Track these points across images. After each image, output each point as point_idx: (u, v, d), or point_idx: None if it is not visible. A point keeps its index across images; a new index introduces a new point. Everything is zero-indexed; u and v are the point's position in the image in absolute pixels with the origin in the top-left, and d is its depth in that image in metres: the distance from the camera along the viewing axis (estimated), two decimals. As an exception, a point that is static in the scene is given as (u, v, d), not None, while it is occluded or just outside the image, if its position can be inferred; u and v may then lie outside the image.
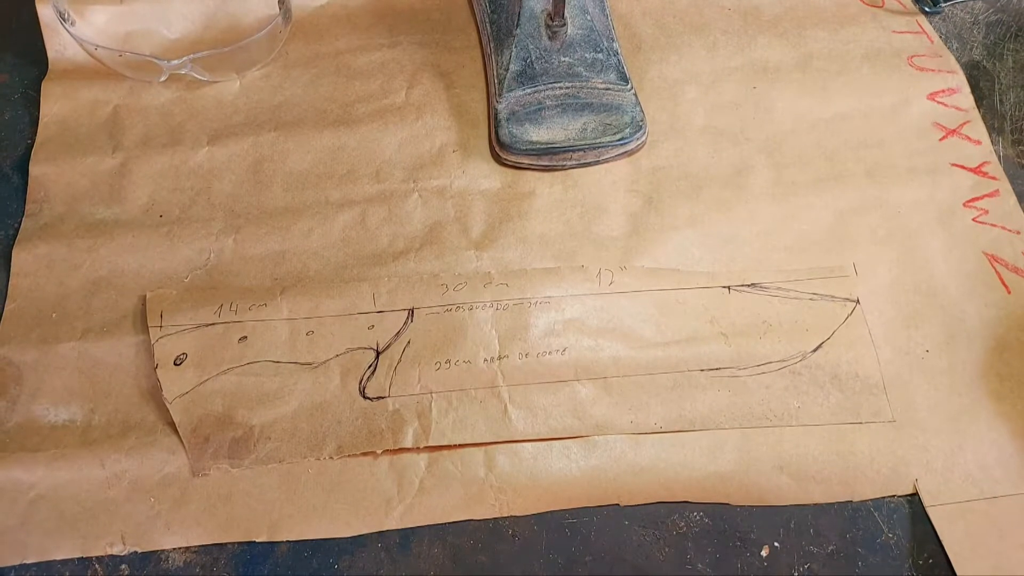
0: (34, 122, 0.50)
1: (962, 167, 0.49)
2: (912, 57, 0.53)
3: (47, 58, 0.51)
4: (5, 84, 0.52)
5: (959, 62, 0.53)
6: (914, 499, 0.39)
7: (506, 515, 0.39)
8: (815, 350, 0.42)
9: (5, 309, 0.43)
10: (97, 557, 0.37)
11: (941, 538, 0.38)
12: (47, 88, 0.51)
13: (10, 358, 0.42)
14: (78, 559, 0.37)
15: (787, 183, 0.48)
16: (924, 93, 0.52)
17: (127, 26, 0.52)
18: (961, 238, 0.46)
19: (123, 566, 0.37)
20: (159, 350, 0.41)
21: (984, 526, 0.38)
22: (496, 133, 0.48)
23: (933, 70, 0.53)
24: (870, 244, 0.46)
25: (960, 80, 0.52)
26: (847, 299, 0.44)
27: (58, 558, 0.37)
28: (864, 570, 0.38)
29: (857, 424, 0.40)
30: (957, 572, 0.37)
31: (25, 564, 0.37)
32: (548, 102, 0.48)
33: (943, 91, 0.52)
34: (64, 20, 0.49)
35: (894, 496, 0.39)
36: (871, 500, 0.39)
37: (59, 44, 0.51)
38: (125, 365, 0.42)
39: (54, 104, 0.50)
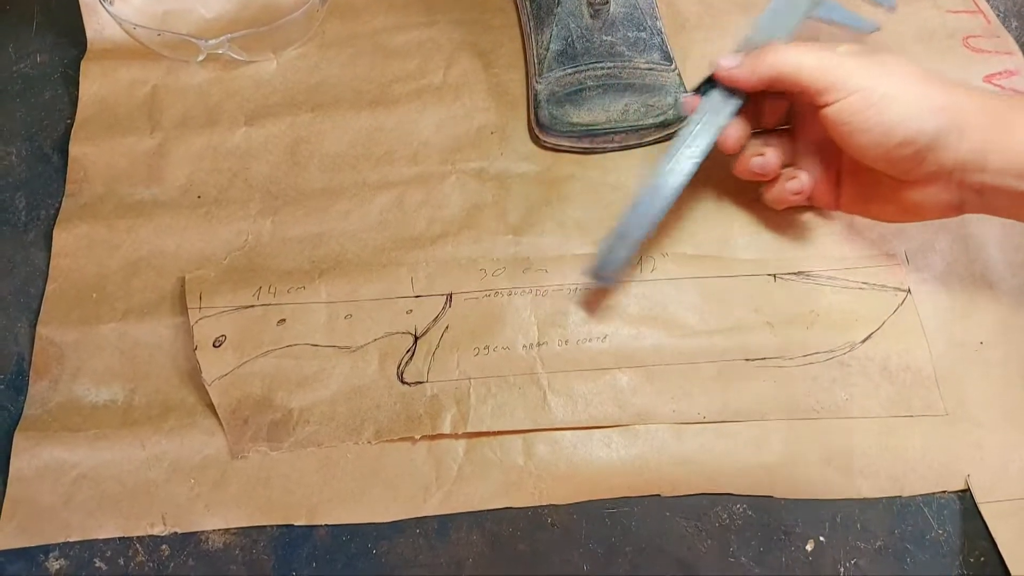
0: (73, 102, 0.50)
1: (1020, 152, 0.47)
2: (967, 38, 0.51)
3: (86, 38, 0.51)
4: (45, 64, 0.52)
5: (1018, 42, 0.51)
6: (965, 495, 0.38)
7: (545, 503, 0.38)
8: (864, 341, 0.41)
9: (47, 290, 0.44)
10: (138, 537, 0.38)
11: (994, 536, 0.37)
12: (86, 68, 0.50)
13: (52, 338, 0.42)
14: (119, 539, 0.38)
15: (836, 168, 0.46)
16: (980, 75, 0.50)
17: (164, 5, 0.51)
18: (1016, 225, 0.44)
19: (163, 546, 0.38)
20: (198, 332, 0.41)
21: (1039, 525, 0.37)
22: (535, 114, 0.47)
23: (990, 51, 0.51)
24: (922, 232, 0.44)
25: (1019, 62, 0.50)
26: (898, 288, 0.42)
27: (100, 537, 0.38)
28: (913, 567, 0.37)
29: (908, 417, 0.39)
30: (1011, 571, 0.36)
31: (68, 542, 0.37)
32: (589, 82, 0.47)
33: (1000, 73, 0.50)
34: (103, -1, 0.49)
35: (945, 492, 0.38)
36: (921, 495, 0.38)
37: (98, 24, 0.51)
38: (165, 346, 0.42)
39: (93, 84, 0.50)
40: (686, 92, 0.47)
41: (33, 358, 0.42)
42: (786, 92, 0.39)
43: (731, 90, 0.40)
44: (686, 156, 0.40)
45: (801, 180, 0.41)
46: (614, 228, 0.39)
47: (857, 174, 0.40)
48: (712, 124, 0.40)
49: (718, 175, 0.46)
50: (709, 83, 0.41)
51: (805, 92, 0.37)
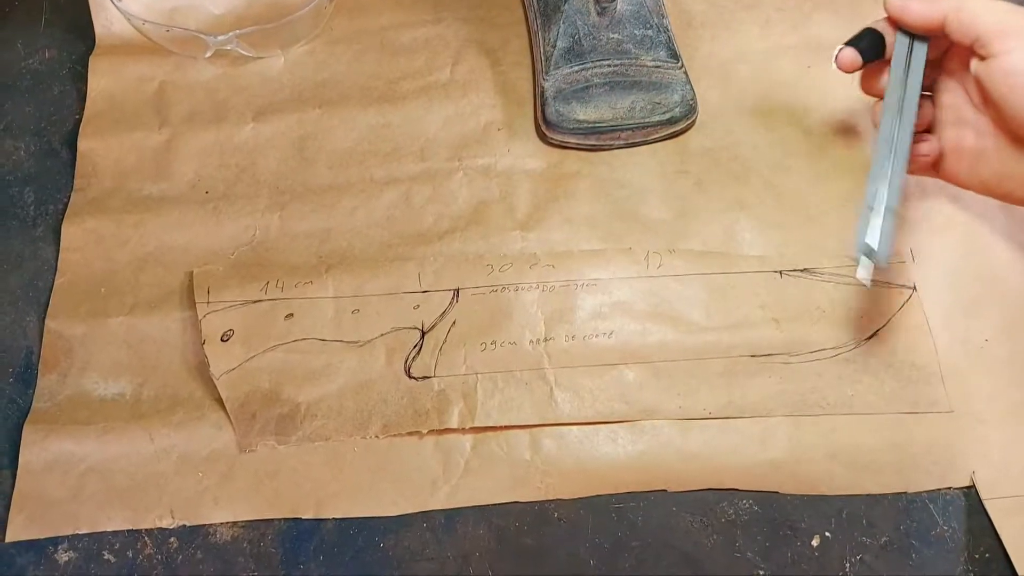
0: (82, 97, 0.50)
1: (1026, 150, 0.47)
2: (974, 35, 0.51)
3: (94, 34, 0.51)
4: (53, 60, 0.52)
5: None
6: (971, 492, 0.38)
7: (552, 498, 0.38)
8: (870, 338, 0.41)
9: (55, 284, 0.44)
10: (147, 530, 0.38)
11: (999, 532, 0.37)
12: (94, 63, 0.51)
13: (60, 331, 0.42)
14: (128, 531, 0.38)
15: (843, 165, 0.46)
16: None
17: (173, 1, 0.51)
18: (1022, 223, 0.44)
19: (172, 539, 0.38)
20: (206, 326, 0.41)
21: (1044, 521, 0.37)
22: (542, 111, 0.47)
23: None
24: (928, 229, 0.44)
25: None
26: (903, 285, 0.42)
27: (109, 530, 0.38)
28: (918, 563, 0.37)
29: (913, 414, 0.39)
30: (1017, 568, 0.36)
31: (77, 534, 0.38)
32: (596, 80, 0.47)
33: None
34: (111, -5, 0.50)
35: (950, 488, 0.38)
36: (926, 492, 0.38)
37: (106, 19, 0.51)
38: (173, 340, 0.42)
39: (101, 79, 0.50)
40: (690, 89, 0.47)
41: (42, 352, 0.42)
42: (950, 41, 0.38)
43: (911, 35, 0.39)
44: (907, 110, 0.39)
45: (931, 144, 0.41)
46: (864, 204, 0.38)
47: (1002, 149, 0.38)
48: (915, 71, 0.39)
49: (722, 173, 0.47)
50: (864, 37, 0.40)
51: (979, 39, 0.36)
